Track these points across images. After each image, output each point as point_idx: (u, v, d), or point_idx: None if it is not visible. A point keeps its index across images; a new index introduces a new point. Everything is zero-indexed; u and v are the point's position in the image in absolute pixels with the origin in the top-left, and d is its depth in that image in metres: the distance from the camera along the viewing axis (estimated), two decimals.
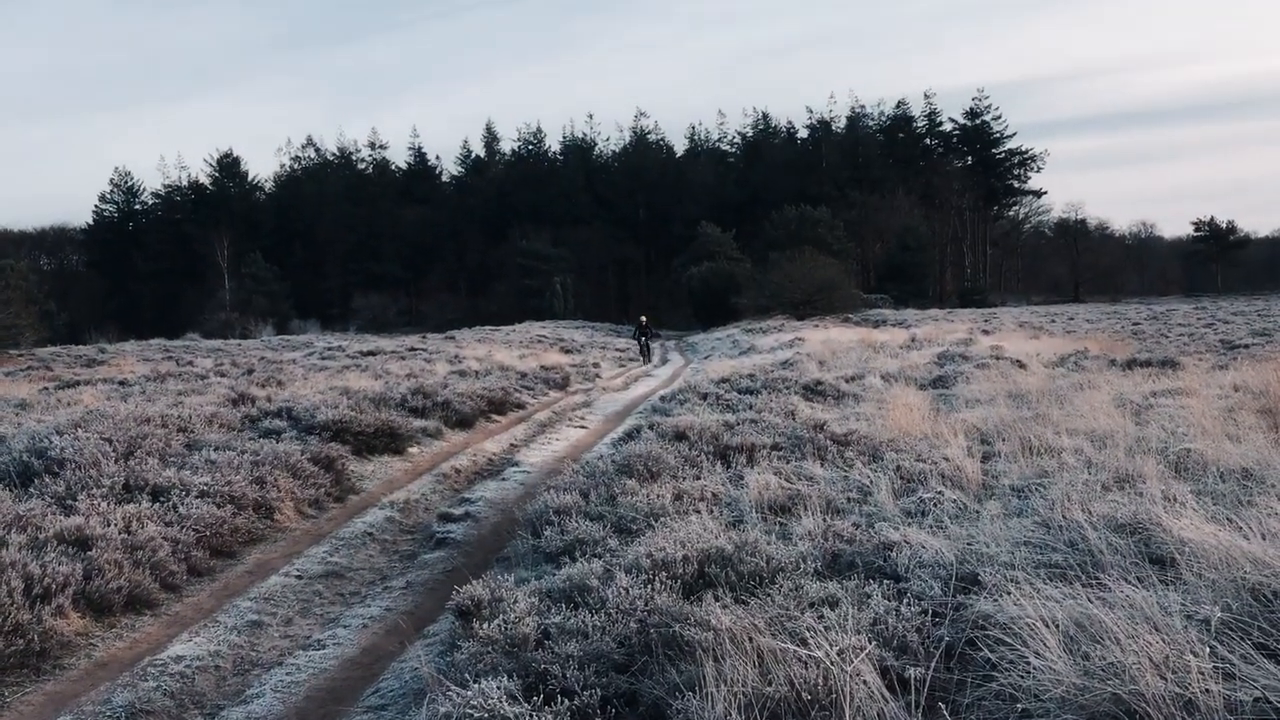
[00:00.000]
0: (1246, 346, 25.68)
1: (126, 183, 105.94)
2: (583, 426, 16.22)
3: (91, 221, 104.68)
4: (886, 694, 3.75)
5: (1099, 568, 4.76)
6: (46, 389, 19.70)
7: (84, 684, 5.78)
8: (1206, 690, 3.33)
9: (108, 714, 5.33)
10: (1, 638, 5.78)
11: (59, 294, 77.88)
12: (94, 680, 5.83)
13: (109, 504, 8.11)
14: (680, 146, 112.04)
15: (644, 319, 38.71)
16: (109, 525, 7.52)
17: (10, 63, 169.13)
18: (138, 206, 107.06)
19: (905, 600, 4.68)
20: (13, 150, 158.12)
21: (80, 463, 9.14)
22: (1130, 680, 3.44)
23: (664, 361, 38.84)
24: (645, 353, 37.52)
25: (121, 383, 20.30)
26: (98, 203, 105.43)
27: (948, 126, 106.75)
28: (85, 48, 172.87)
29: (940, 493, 6.93)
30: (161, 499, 8.57)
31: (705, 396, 13.66)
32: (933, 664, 3.99)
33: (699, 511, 6.79)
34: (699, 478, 8.19)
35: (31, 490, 8.61)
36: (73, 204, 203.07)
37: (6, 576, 6.21)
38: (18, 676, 5.79)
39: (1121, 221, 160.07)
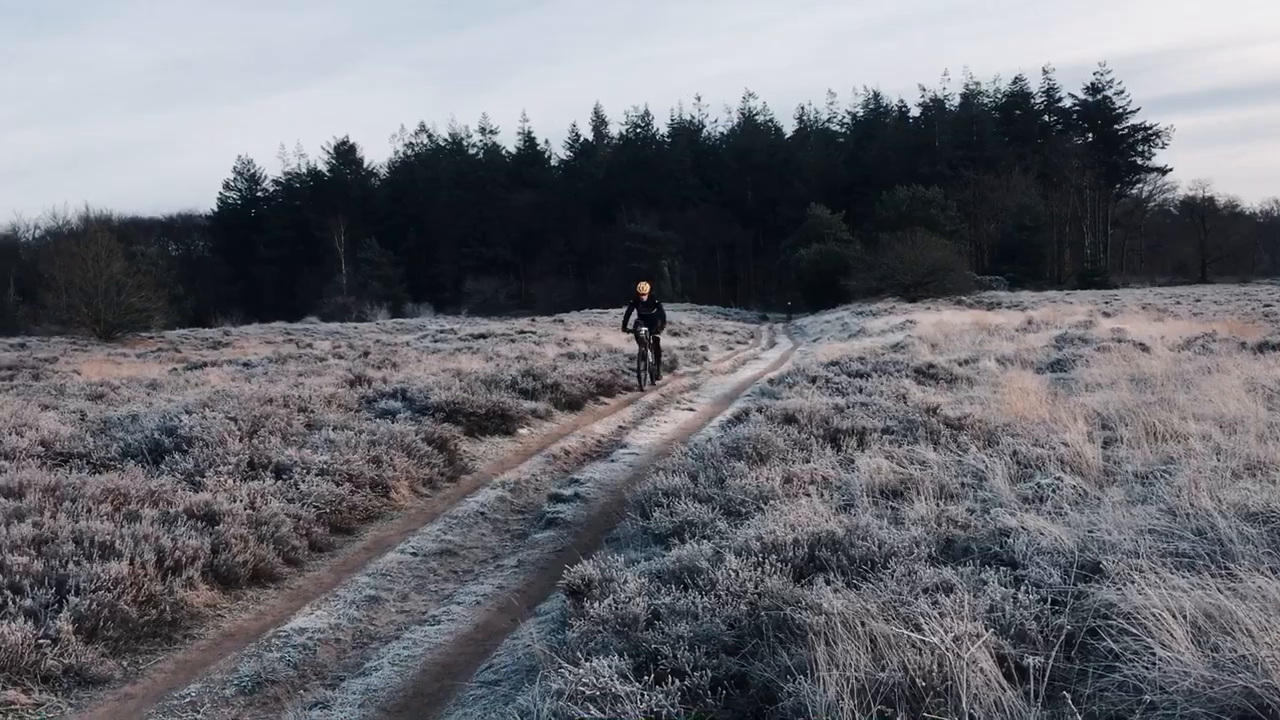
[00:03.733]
0: None
1: (249, 171, 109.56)
2: (691, 409, 16.22)
3: (216, 209, 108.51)
4: (1004, 682, 3.67)
5: (1229, 557, 4.58)
6: (175, 370, 20.54)
7: (212, 653, 6.02)
8: None
9: (235, 683, 5.54)
10: (136, 608, 6.04)
11: (186, 279, 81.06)
12: (221, 650, 6.06)
13: (235, 481, 8.44)
14: (789, 127, 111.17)
15: (645, 288, 19.47)
16: (235, 501, 7.82)
17: (140, 55, 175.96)
18: (259, 194, 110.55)
19: (1023, 587, 4.57)
20: (142, 140, 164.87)
21: (208, 441, 9.50)
22: (1263, 673, 3.31)
23: (772, 345, 38.61)
24: (646, 362, 18.82)
25: (245, 364, 21.03)
26: (222, 190, 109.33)
27: (1067, 102, 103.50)
28: (209, 39, 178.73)
29: (1059, 478, 6.75)
30: (283, 476, 8.86)
31: (814, 379, 13.53)
32: (1052, 653, 3.89)
33: (809, 495, 6.74)
34: (808, 461, 8.12)
35: (162, 467, 9.00)
36: (199, 192, 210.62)
37: (140, 549, 6.49)
38: (150, 645, 6.06)
39: (1252, 199, 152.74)
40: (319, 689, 5.52)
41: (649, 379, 18.68)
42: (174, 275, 71.17)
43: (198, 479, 8.53)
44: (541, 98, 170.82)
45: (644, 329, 18.67)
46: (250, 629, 6.42)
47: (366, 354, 23.54)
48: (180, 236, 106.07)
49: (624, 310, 20.41)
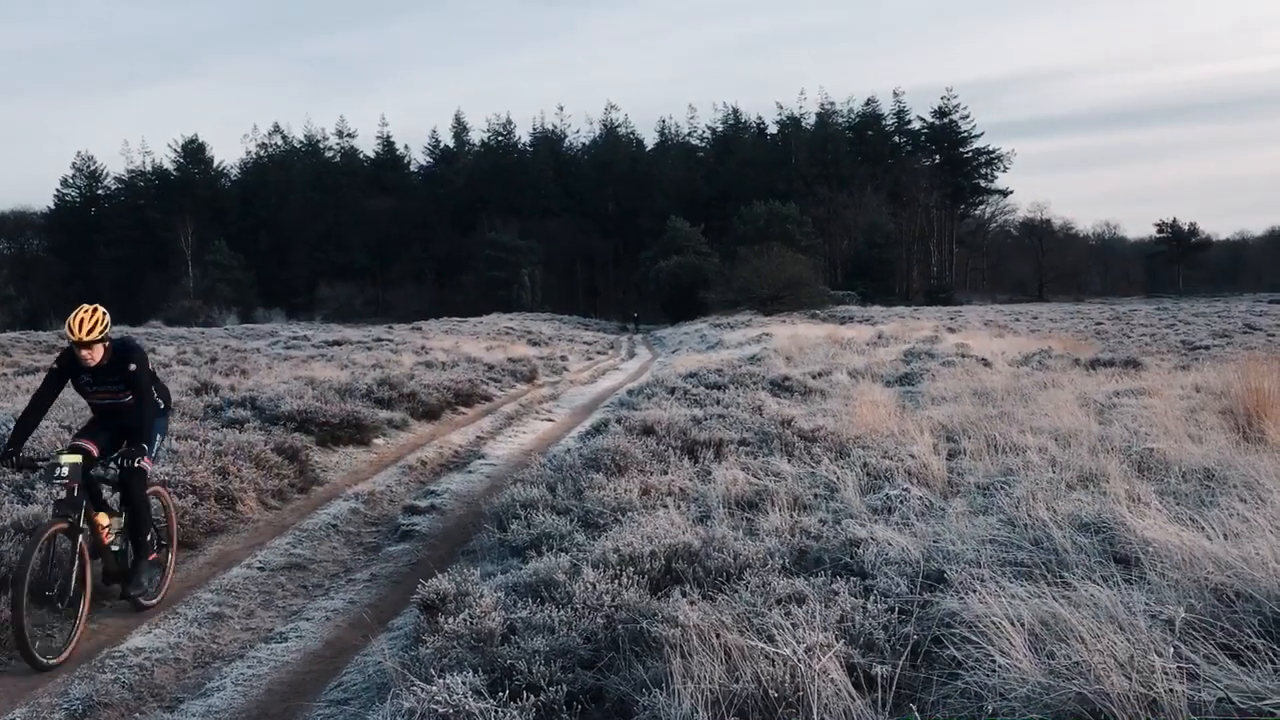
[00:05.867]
0: (1207, 348, 26.06)
1: (89, 167, 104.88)
2: (550, 419, 16.18)
3: (53, 206, 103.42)
4: (853, 692, 3.74)
5: (1064, 566, 4.77)
6: (5, 375, 19.41)
7: (41, 677, 5.67)
8: (1170, 690, 3.34)
9: (65, 707, 5.25)
10: None
11: (19, 278, 77.20)
12: (51, 673, 5.72)
13: None
14: (650, 140, 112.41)
15: (91, 320, 6.50)
16: None
17: None
18: (100, 191, 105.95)
19: (872, 597, 4.67)
20: None
21: (41, 449, 8.98)
22: (1095, 679, 3.44)
23: (631, 356, 38.83)
24: (107, 553, 6.48)
25: None
26: (59, 187, 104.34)
27: (916, 125, 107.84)
28: (50, 28, 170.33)
29: (906, 490, 6.94)
30: None
31: (673, 391, 13.65)
32: (899, 662, 3.98)
33: (666, 507, 6.76)
34: (666, 473, 8.17)
35: None
36: (34, 188, 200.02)
37: None
38: None
39: (1086, 222, 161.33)
40: (156, 712, 5.28)
41: (79, 613, 6.08)
42: (5, 275, 67.51)
43: (27, 490, 8.06)
44: (401, 103, 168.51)
45: (74, 459, 6.32)
46: (83, 649, 6.09)
47: (214, 360, 22.70)
48: (13, 234, 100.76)
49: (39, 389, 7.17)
